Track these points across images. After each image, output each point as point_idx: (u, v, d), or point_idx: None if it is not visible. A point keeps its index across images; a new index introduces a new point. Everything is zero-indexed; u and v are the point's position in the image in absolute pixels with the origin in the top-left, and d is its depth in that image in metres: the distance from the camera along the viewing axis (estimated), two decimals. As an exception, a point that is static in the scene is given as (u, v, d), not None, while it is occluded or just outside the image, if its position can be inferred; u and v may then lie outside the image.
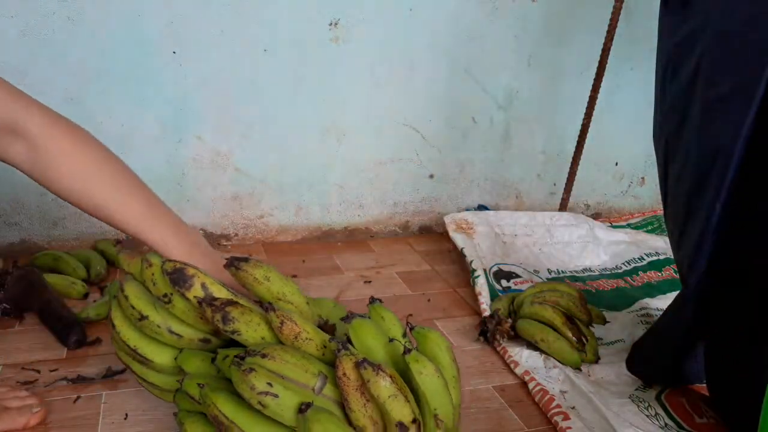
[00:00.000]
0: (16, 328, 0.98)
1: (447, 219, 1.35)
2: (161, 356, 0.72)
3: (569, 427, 0.82)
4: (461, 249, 1.26)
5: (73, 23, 1.09)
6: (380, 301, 0.73)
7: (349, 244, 1.43)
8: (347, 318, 0.67)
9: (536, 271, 1.29)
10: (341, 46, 1.27)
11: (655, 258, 1.37)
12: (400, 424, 0.59)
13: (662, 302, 1.17)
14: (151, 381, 0.74)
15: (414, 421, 0.60)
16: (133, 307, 0.71)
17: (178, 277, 0.68)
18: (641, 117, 1.46)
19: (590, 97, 1.36)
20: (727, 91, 0.69)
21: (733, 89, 0.68)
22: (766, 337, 0.72)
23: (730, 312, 0.78)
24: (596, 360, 0.98)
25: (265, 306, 0.66)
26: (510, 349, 1.00)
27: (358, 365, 0.59)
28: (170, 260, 0.69)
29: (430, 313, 1.14)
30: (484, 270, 1.20)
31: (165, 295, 0.69)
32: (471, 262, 1.22)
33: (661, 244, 1.42)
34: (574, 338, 0.97)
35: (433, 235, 1.51)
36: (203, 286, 0.68)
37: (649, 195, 1.72)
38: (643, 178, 1.70)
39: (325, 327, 0.75)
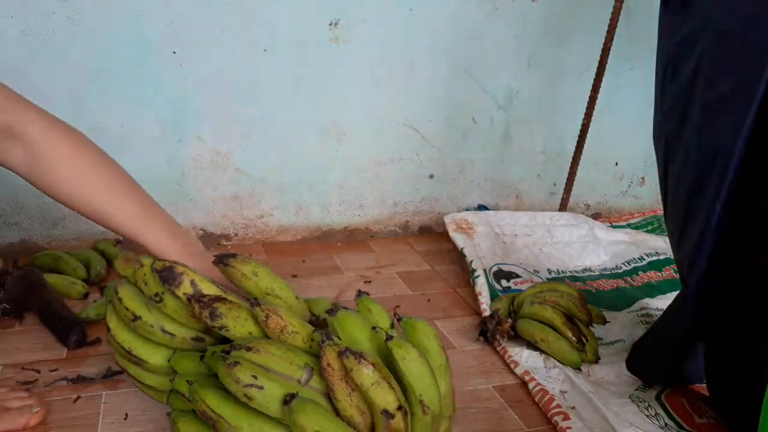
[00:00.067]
0: (16, 328, 0.98)
1: (447, 219, 1.35)
2: (155, 357, 0.72)
3: (569, 427, 0.82)
4: (461, 249, 1.26)
5: (73, 23, 1.09)
6: (367, 294, 0.73)
7: (349, 244, 1.43)
8: (332, 311, 0.67)
9: (536, 271, 1.29)
10: (341, 46, 1.27)
11: (655, 258, 1.37)
12: (385, 412, 0.59)
13: (662, 302, 1.17)
14: (147, 383, 0.74)
15: (399, 408, 0.59)
16: (127, 309, 0.71)
17: (167, 275, 0.68)
18: (641, 117, 1.46)
19: (590, 97, 1.36)
20: (727, 91, 0.69)
21: (733, 89, 0.68)
22: (766, 337, 0.72)
23: (730, 312, 0.78)
24: (596, 360, 0.98)
25: (251, 301, 0.66)
26: (510, 349, 1.00)
27: (340, 354, 0.59)
28: (160, 259, 0.70)
29: (430, 313, 1.14)
30: (484, 270, 1.20)
31: (156, 294, 0.70)
32: (471, 262, 1.22)
33: (661, 244, 1.42)
34: (574, 338, 0.97)
35: (433, 235, 1.51)
36: (192, 283, 0.68)
37: (649, 195, 1.72)
38: (643, 178, 1.70)
39: (317, 323, 0.75)
